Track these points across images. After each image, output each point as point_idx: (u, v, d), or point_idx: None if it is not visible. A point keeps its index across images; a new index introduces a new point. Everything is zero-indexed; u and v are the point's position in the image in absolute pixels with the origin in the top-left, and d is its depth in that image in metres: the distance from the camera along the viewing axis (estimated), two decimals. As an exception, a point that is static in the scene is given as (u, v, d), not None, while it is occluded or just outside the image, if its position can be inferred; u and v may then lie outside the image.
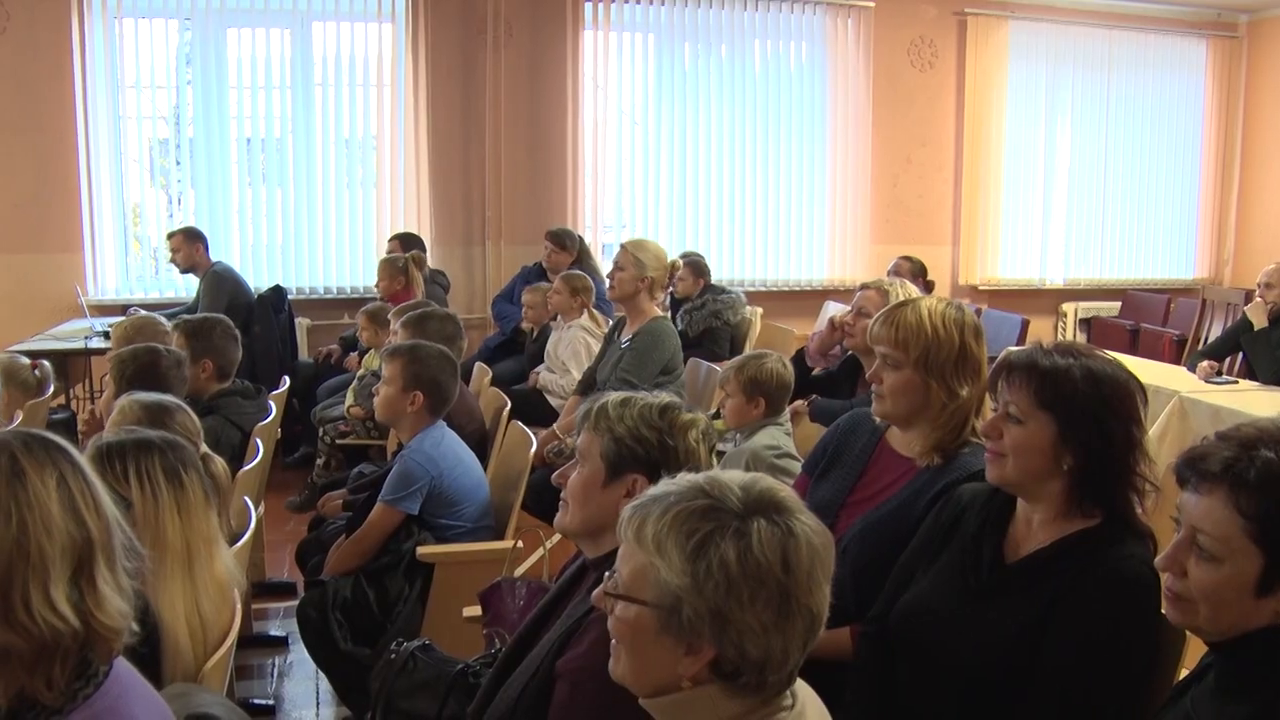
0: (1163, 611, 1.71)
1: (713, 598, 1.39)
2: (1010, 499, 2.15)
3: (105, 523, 1.47)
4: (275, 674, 4.16)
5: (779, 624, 1.40)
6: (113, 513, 1.49)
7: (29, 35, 7.28)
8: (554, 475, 2.18)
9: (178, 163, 7.98)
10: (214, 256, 7.00)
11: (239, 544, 2.66)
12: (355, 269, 7.90)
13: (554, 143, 8.12)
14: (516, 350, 6.60)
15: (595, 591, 1.55)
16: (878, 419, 2.65)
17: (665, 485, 1.51)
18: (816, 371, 4.45)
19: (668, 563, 1.42)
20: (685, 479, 1.51)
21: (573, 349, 5.69)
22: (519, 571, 3.26)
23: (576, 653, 1.88)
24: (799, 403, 4.09)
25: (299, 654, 4.05)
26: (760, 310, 7.36)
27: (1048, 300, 9.38)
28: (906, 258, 7.01)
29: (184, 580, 2.22)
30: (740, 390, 3.66)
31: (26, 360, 4.78)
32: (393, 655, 2.50)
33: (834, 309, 6.45)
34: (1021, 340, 6.54)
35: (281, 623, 4.44)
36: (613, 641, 1.51)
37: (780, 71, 8.69)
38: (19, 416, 4.18)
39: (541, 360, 6.00)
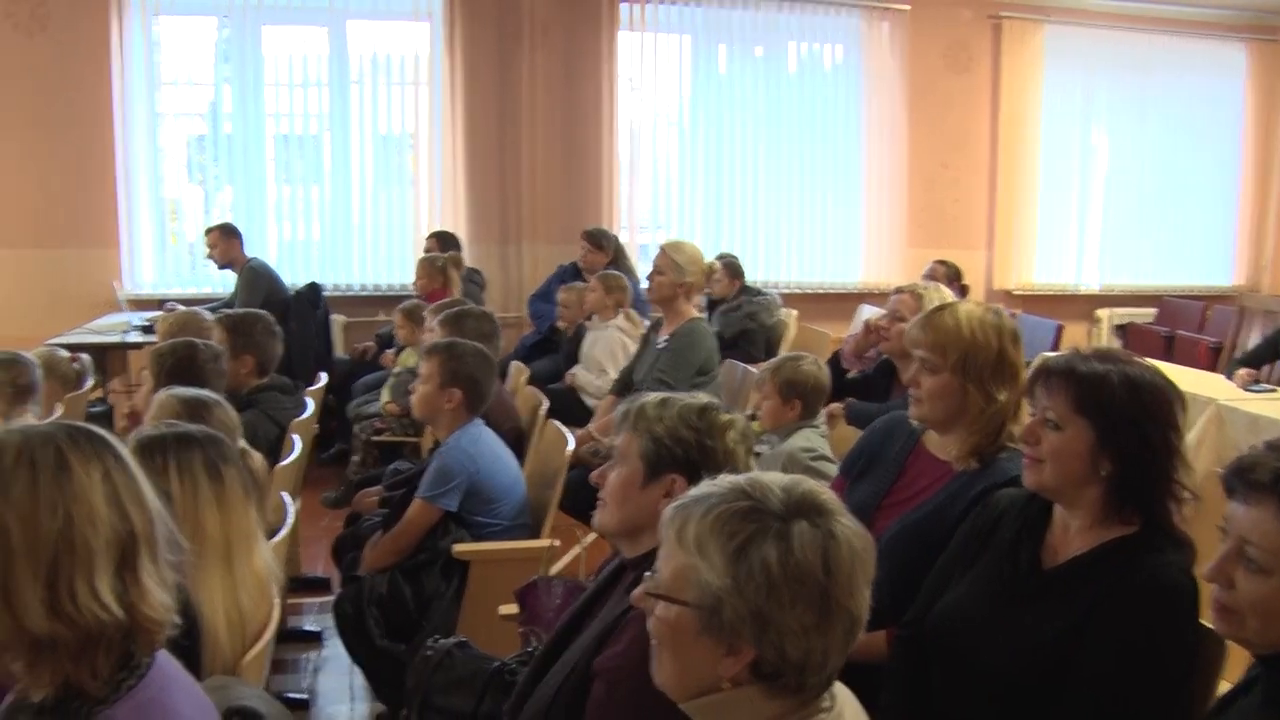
0: (1210, 625, 1.69)
1: (754, 599, 1.40)
2: (1047, 505, 2.15)
3: (148, 516, 1.49)
4: (310, 668, 4.19)
5: (819, 626, 1.41)
6: (156, 506, 1.52)
7: (69, 33, 7.37)
8: (592, 475, 2.19)
9: (214, 159, 8.05)
10: (250, 253, 7.08)
11: (276, 539, 2.68)
12: (391, 266, 7.95)
13: (590, 143, 8.14)
14: (552, 349, 6.62)
15: (635, 591, 1.56)
16: (915, 422, 2.65)
17: (707, 486, 1.52)
18: (852, 374, 4.45)
19: (709, 563, 1.43)
20: (726, 480, 1.52)
21: (608, 349, 5.71)
22: (554, 570, 3.28)
23: (614, 651, 1.89)
24: (834, 405, 4.08)
25: (334, 649, 4.08)
26: (795, 313, 7.35)
27: (1082, 306, 9.32)
28: (941, 262, 6.99)
29: (223, 574, 2.25)
30: (776, 392, 3.67)
31: (66, 354, 4.84)
32: (429, 652, 2.52)
33: (868, 312, 6.44)
34: (1055, 346, 6.51)
35: (316, 618, 4.47)
36: (654, 646, 1.52)
37: (815, 73, 8.69)
38: (59, 409, 4.22)
39: (577, 360, 6.02)
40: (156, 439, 2.29)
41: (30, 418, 3.99)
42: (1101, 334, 9.23)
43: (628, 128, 8.34)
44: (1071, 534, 2.09)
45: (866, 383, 4.37)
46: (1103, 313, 9.30)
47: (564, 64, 8.06)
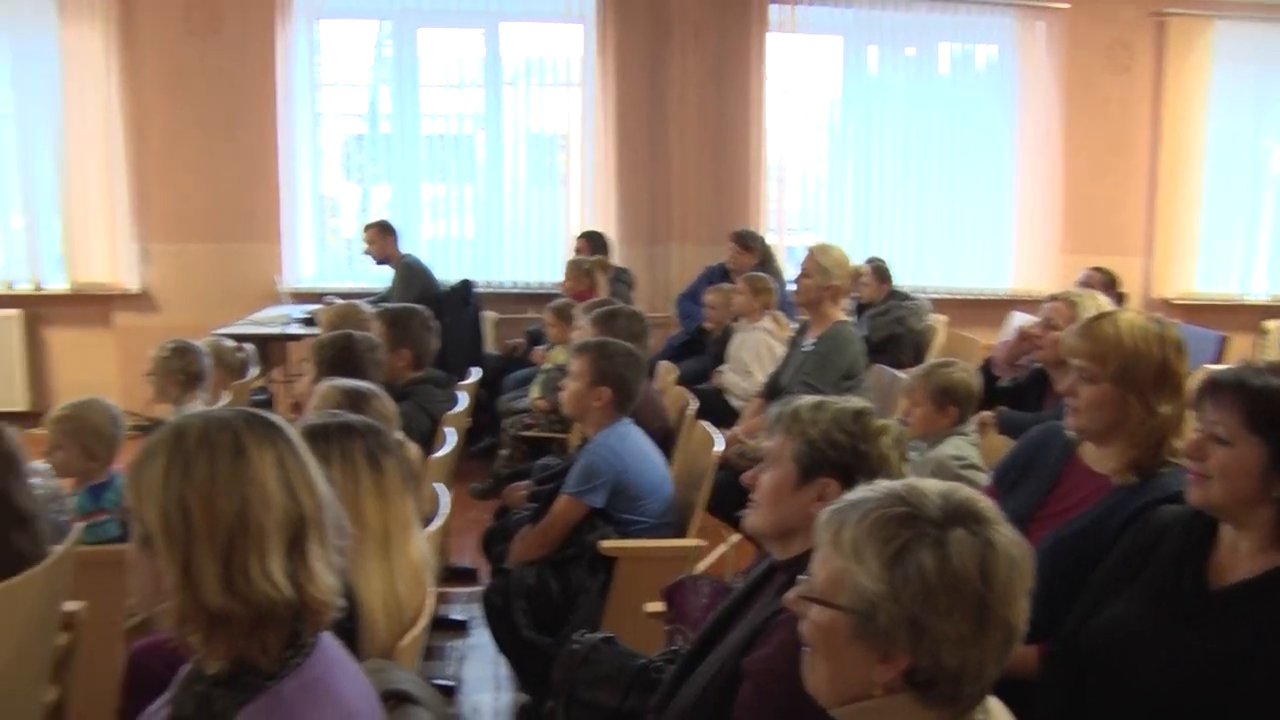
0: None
1: (909, 605, 1.39)
2: (1213, 523, 2.07)
3: (318, 501, 1.54)
4: (456, 656, 4.28)
5: (975, 636, 1.39)
6: (325, 492, 1.57)
7: (238, 38, 7.70)
8: (744, 476, 2.20)
9: (371, 158, 8.30)
10: (405, 249, 7.28)
11: (431, 529, 2.75)
12: (541, 265, 8.07)
13: (739, 144, 8.13)
14: (699, 350, 6.64)
15: (788, 594, 1.57)
16: (1071, 433, 2.58)
17: (863, 491, 1.51)
18: (1003, 382, 4.36)
19: (865, 568, 1.42)
20: (883, 486, 1.51)
21: (755, 351, 5.71)
22: (698, 570, 3.30)
23: (763, 653, 1.90)
24: (985, 414, 4.01)
25: (479, 638, 4.16)
26: (944, 318, 7.23)
27: (1248, 316, 8.91)
28: (1097, 268, 6.78)
29: (381, 561, 2.31)
30: (930, 398, 3.62)
31: (232, 343, 5.05)
32: (576, 646, 2.55)
33: (1020, 319, 6.29)
34: (1219, 358, 6.26)
35: (463, 607, 4.56)
36: (807, 651, 1.52)
37: (968, 74, 8.54)
38: (225, 396, 4.40)
39: (723, 360, 6.03)
40: (320, 428, 2.36)
41: (199, 404, 4.18)
42: (1270, 346, 8.83)
43: (777, 129, 8.30)
44: (1241, 555, 2.01)
45: (1019, 391, 4.28)
46: (1271, 324, 8.89)
47: (714, 66, 8.07)
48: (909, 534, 1.42)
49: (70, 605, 2.84)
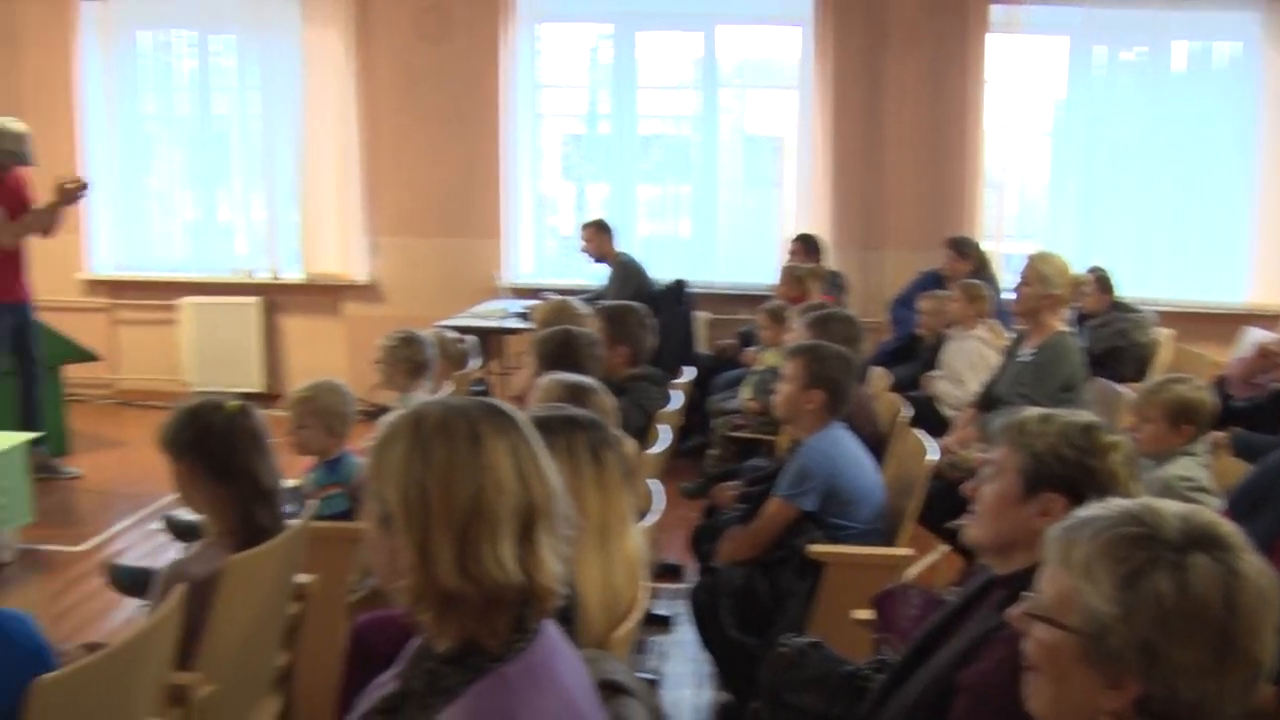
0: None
1: (1143, 629, 1.34)
2: None
3: (549, 490, 1.57)
4: (659, 651, 4.33)
5: (1216, 668, 1.33)
6: (555, 481, 1.60)
7: (465, 42, 7.99)
8: (965, 486, 2.16)
9: (588, 158, 8.47)
10: (620, 248, 7.40)
11: (645, 524, 2.79)
12: (755, 266, 8.06)
13: (955, 148, 7.94)
14: (910, 356, 6.54)
15: (1011, 610, 1.53)
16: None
17: (1095, 509, 1.46)
18: (1238, 402, 4.15)
19: (1096, 588, 1.38)
20: (1116, 504, 1.46)
21: (968, 359, 5.59)
22: (907, 579, 3.26)
23: (981, 668, 1.86)
24: (1218, 434, 3.82)
25: (683, 634, 4.20)
26: (1171, 331, 6.91)
27: None
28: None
29: (598, 553, 2.35)
30: (1163, 415, 3.46)
31: (455, 335, 5.24)
32: (784, 648, 2.55)
33: (1258, 335, 5.97)
34: None
35: (668, 603, 4.61)
36: (1029, 672, 1.48)
37: (1204, 73, 8.10)
38: (447, 386, 4.56)
39: (935, 368, 5.92)
40: (544, 420, 2.41)
41: (423, 392, 4.35)
42: None
43: (995, 133, 8.08)
44: None
45: (1256, 412, 4.08)
46: None
47: (931, 68, 7.91)
48: (1145, 556, 1.37)
49: (302, 577, 3.01)
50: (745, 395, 5.91)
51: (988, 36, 7.86)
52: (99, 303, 8.30)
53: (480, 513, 1.50)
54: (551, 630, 1.62)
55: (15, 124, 6.10)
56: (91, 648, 2.65)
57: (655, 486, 3.12)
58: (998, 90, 7.99)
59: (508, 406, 1.64)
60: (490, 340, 6.84)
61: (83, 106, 8.36)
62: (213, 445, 2.62)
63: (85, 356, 7.09)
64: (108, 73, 8.42)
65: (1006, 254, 8.04)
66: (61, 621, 4.48)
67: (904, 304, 7.14)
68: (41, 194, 6.17)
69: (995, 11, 7.82)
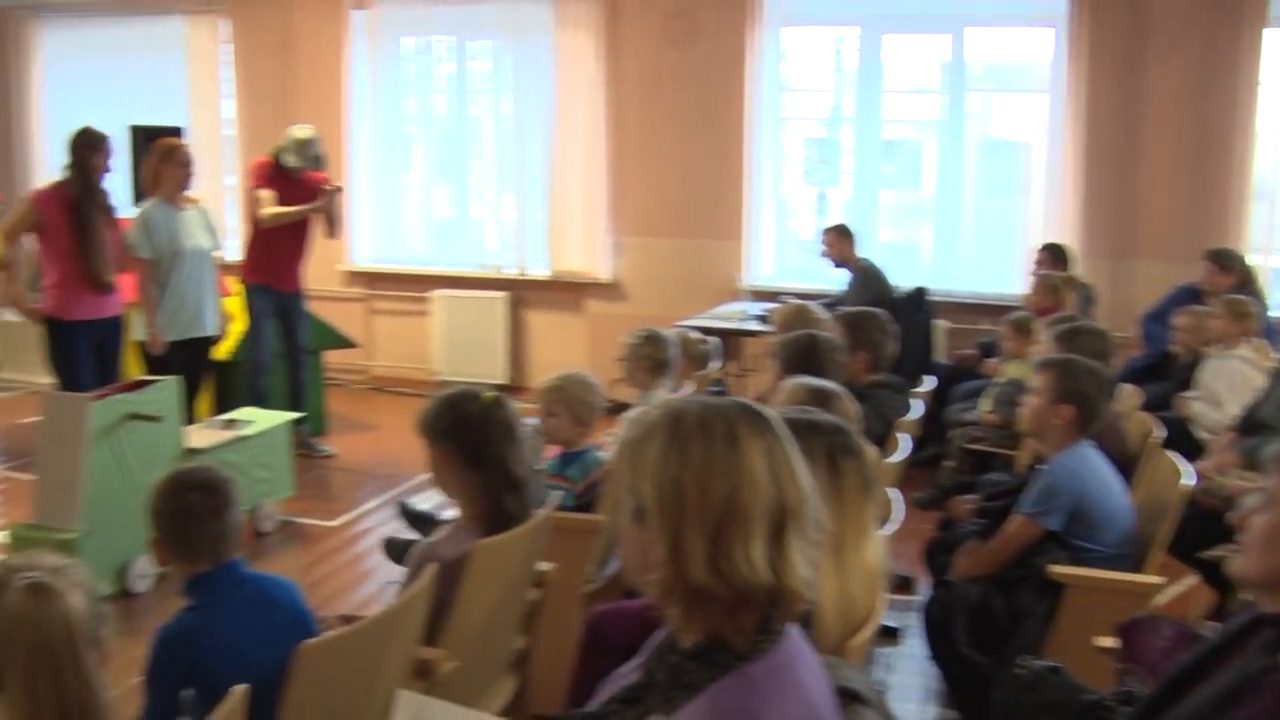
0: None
1: None
2: None
3: (801, 493, 1.58)
4: (884, 663, 4.26)
5: None
6: (807, 485, 1.60)
7: (711, 46, 8.08)
8: (1232, 516, 2.06)
9: (829, 162, 8.41)
10: (860, 253, 7.32)
11: (885, 533, 2.76)
12: (998, 275, 7.84)
13: (1221, 154, 7.46)
14: (1162, 374, 6.23)
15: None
16: None
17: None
18: None
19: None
20: None
21: (1230, 380, 5.28)
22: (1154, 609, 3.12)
23: (1250, 712, 1.76)
24: None
25: (911, 647, 4.13)
26: None
27: None
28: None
29: (832, 559, 2.34)
30: None
31: (697, 335, 5.31)
32: (1021, 670, 2.48)
33: None
34: None
35: (897, 614, 4.54)
36: None
37: None
38: (687, 386, 4.61)
39: (1187, 387, 5.62)
40: (787, 422, 2.43)
41: (664, 391, 4.42)
42: None
43: (1269, 137, 7.56)
44: None
45: None
46: None
47: (1198, 68, 7.47)
48: None
49: (543, 565, 3.11)
50: (984, 407, 5.77)
51: (1265, 32, 7.36)
52: (357, 293, 8.77)
53: (734, 512, 1.52)
54: (795, 634, 1.63)
55: (303, 130, 6.57)
56: (346, 619, 2.81)
57: (895, 496, 3.08)
58: (1273, 90, 7.49)
59: (764, 408, 1.65)
60: (728, 342, 6.88)
61: (349, 107, 8.90)
62: (468, 433, 2.74)
63: (344, 343, 7.53)
64: (373, 76, 8.93)
65: (1276, 268, 7.57)
66: (313, 592, 4.76)
67: (1157, 319, 6.80)
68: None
69: (1277, 4, 7.30)
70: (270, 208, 6.51)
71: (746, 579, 1.51)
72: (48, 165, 9.47)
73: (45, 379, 5.85)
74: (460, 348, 8.79)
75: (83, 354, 5.69)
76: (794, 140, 8.59)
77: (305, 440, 6.75)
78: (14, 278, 5.25)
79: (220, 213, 8.00)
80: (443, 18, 8.82)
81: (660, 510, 1.55)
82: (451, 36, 8.95)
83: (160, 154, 5.91)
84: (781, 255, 8.37)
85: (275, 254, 6.65)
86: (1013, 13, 7.79)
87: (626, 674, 1.79)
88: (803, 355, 3.81)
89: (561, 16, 8.31)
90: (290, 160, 6.55)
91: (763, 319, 6.66)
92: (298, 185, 6.61)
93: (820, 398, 2.99)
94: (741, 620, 1.55)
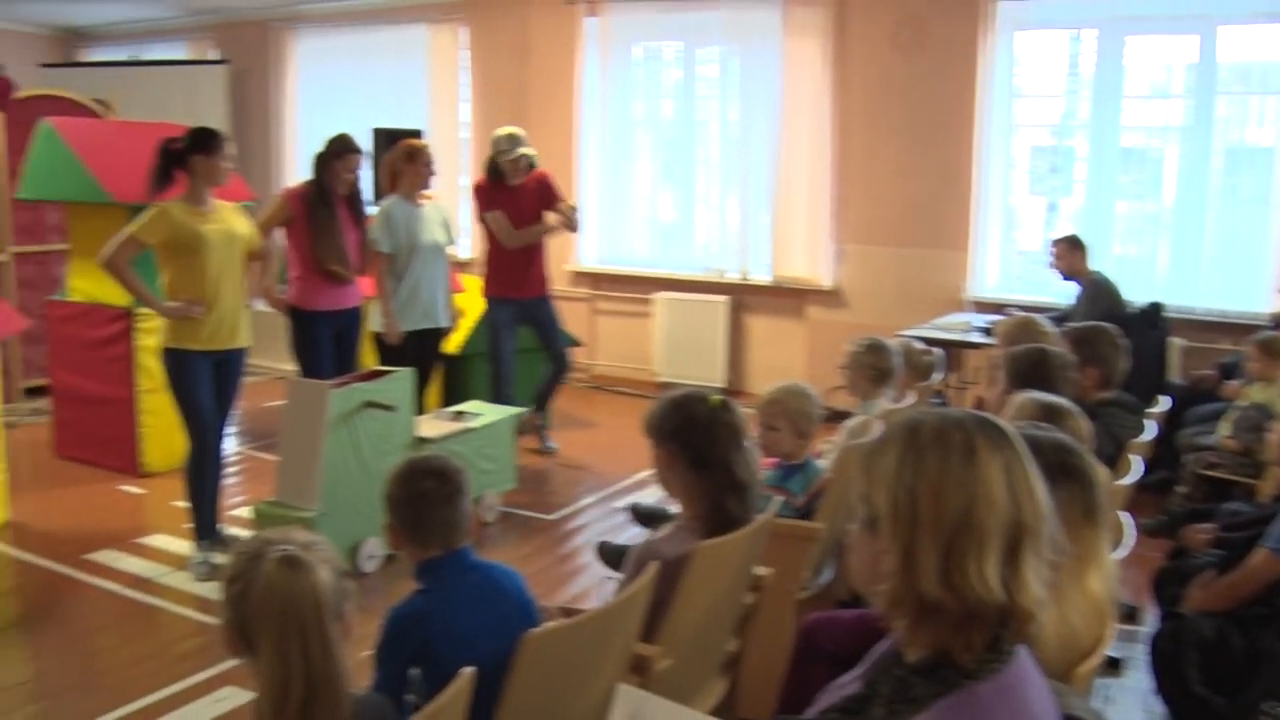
0: None
1: None
2: None
3: (1038, 511, 1.55)
4: (1103, 694, 4.10)
5: None
6: (1045, 503, 1.56)
7: (941, 52, 7.94)
8: None
9: (1059, 170, 8.12)
10: (1092, 266, 7.06)
11: (1115, 557, 2.65)
12: (1242, 292, 7.40)
13: None
14: None
15: None
16: None
17: None
18: None
19: None
20: None
21: None
22: None
23: None
24: None
25: (1134, 680, 3.97)
26: None
27: None
28: None
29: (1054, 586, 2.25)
30: None
31: (921, 346, 5.22)
32: (1265, 717, 2.37)
33: None
34: None
35: (1121, 645, 4.36)
36: None
37: None
38: (909, 397, 4.54)
39: None
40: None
41: (885, 401, 4.37)
42: None
43: None
44: None
45: None
46: None
47: None
48: None
49: (760, 570, 3.12)
50: (1223, 432, 5.49)
51: None
52: (582, 293, 8.97)
53: (969, 526, 1.50)
54: (1025, 656, 1.59)
55: (505, 129, 6.73)
56: (566, 611, 2.90)
57: (1126, 520, 2.96)
58: None
59: (1003, 423, 1.63)
60: (950, 353, 6.75)
61: (580, 111, 9.13)
62: (694, 435, 2.78)
63: (569, 342, 7.72)
64: (603, 81, 9.17)
65: None
66: (529, 583, 4.89)
67: None
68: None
69: None
70: (509, 233, 6.70)
71: (979, 594, 1.49)
72: (299, 165, 10.06)
73: (289, 366, 6.18)
74: (680, 350, 8.90)
75: (323, 343, 5.99)
76: (1022, 147, 8.33)
77: (538, 431, 6.99)
78: (266, 270, 5.56)
79: (454, 210, 8.29)
80: (672, 24, 8.96)
81: (893, 520, 1.54)
82: (680, 42, 9.07)
83: (404, 154, 6.20)
84: (1006, 266, 8.14)
85: (510, 264, 6.85)
86: (1272, 9, 7.30)
87: (846, 684, 1.78)
88: (1032, 369, 3.70)
89: (789, 23, 8.31)
90: (502, 160, 6.69)
91: (986, 331, 6.50)
92: (519, 193, 6.77)
93: (1052, 414, 2.90)
94: (971, 637, 1.53)
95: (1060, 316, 6.32)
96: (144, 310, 6.33)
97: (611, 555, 4.24)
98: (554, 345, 7.04)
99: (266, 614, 1.86)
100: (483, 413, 6.02)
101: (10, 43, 11.92)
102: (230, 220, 5.13)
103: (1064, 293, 7.27)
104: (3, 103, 8.10)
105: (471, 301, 7.23)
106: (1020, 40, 7.91)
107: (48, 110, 7.56)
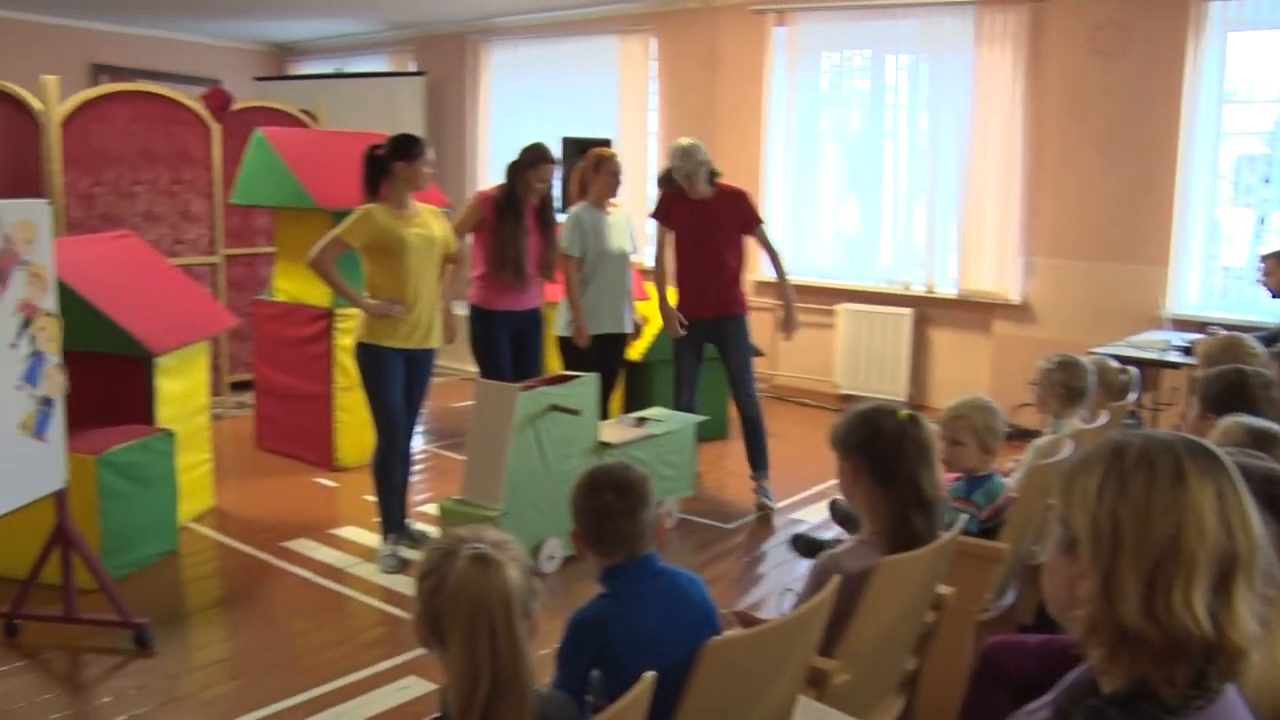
0: None
1: None
2: None
3: (1252, 542, 1.47)
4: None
5: None
6: (1260, 534, 1.49)
7: (1144, 56, 7.62)
8: None
9: (1268, 180, 7.72)
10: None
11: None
12: None
13: None
14: None
15: None
16: None
17: None
18: None
19: None
20: None
21: None
22: None
23: None
24: None
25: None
26: None
27: None
28: None
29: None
30: None
31: (1116, 364, 5.04)
32: None
33: None
34: None
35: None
36: None
37: None
38: (1103, 416, 4.39)
39: None
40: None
41: (1077, 421, 4.24)
42: None
43: None
44: None
45: None
46: None
47: None
48: None
49: (942, 588, 3.06)
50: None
51: None
52: (765, 303, 8.94)
53: (1176, 553, 1.44)
54: (1235, 696, 1.51)
55: (684, 140, 6.39)
56: (743, 617, 2.90)
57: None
58: None
59: (1216, 448, 1.55)
60: (1146, 373, 6.49)
61: (768, 121, 9.12)
62: (881, 449, 2.75)
63: (752, 352, 7.67)
64: (790, 90, 9.15)
65: None
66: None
67: None
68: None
69: None
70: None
71: (1184, 626, 1.42)
72: (493, 172, 10.33)
73: (474, 367, 6.34)
74: (863, 362, 8.81)
75: (500, 342, 6.14)
76: (1228, 157, 7.92)
77: (758, 488, 6.48)
78: (457, 274, 5.72)
79: (641, 220, 8.37)
80: (862, 33, 8.87)
81: (1094, 544, 1.49)
82: (869, 51, 8.96)
83: (594, 163, 6.29)
84: (1208, 282, 7.76)
85: (686, 280, 6.40)
86: None
87: (1034, 710, 1.73)
88: (1230, 391, 3.51)
89: (982, 30, 8.13)
90: (680, 170, 6.23)
91: (1186, 350, 6.23)
92: (699, 208, 6.29)
93: (1261, 439, 2.75)
94: (1173, 671, 1.45)
95: (1269, 336, 6.00)
96: (343, 311, 6.60)
97: (807, 546, 4.23)
98: (736, 383, 6.46)
99: (457, 610, 1.91)
100: (665, 420, 6.06)
101: (228, 58, 12.63)
102: (430, 224, 5.32)
103: (1273, 311, 6.91)
104: (221, 115, 8.54)
105: (654, 309, 7.26)
106: (1234, 42, 7.54)
107: (260, 121, 7.96)
